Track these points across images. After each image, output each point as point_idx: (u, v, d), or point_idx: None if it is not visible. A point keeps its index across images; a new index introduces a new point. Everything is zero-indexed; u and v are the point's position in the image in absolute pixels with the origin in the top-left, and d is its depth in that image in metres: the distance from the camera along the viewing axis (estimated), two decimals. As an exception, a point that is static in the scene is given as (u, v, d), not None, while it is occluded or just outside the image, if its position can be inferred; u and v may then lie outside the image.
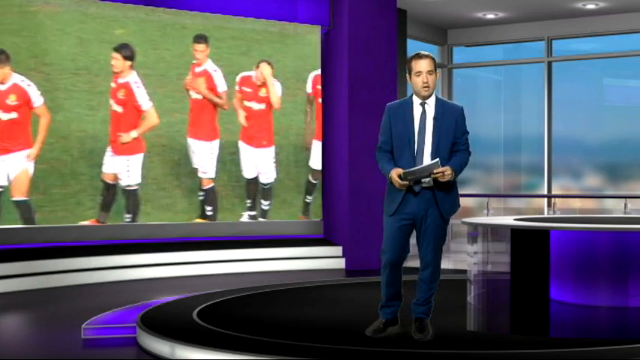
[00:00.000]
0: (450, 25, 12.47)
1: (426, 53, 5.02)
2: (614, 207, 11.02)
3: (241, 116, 9.78)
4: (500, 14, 11.68)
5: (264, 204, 10.02)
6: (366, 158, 9.21)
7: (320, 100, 10.24)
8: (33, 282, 7.90)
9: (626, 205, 10.36)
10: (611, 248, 6.07)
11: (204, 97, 9.58)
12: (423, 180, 4.91)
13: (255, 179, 9.99)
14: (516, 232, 6.16)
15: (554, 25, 11.92)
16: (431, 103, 5.02)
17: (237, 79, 9.85)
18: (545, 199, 11.90)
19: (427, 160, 4.94)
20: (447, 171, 4.88)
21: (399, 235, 5.00)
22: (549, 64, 12.10)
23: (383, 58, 9.89)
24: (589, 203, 11.82)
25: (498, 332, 5.56)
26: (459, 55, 12.91)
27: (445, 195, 4.98)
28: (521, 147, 12.68)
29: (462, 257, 9.13)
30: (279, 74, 10.09)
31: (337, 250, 9.85)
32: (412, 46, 11.35)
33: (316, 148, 10.33)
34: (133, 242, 9.15)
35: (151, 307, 6.13)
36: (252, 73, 9.92)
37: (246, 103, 9.87)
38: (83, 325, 5.57)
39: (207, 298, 6.57)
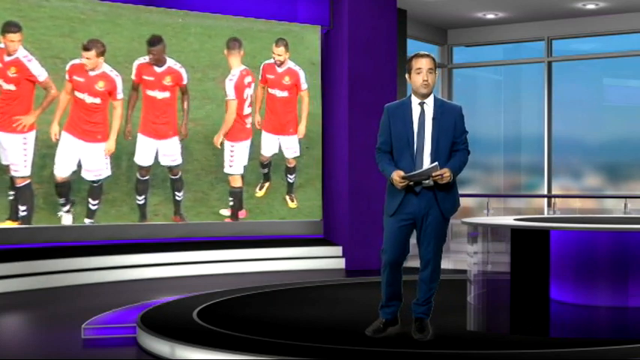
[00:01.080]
0: (450, 25, 12.46)
1: (427, 53, 5.05)
2: (614, 207, 11.02)
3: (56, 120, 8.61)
4: (500, 14, 11.67)
5: (92, 203, 8.90)
6: (366, 158, 9.20)
7: (149, 92, 9.19)
8: (33, 282, 7.90)
9: (626, 205, 10.36)
10: (611, 248, 6.07)
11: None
12: (423, 181, 4.93)
13: (78, 176, 8.84)
14: (516, 232, 6.16)
15: (554, 25, 11.92)
16: (429, 103, 5.03)
17: (67, 67, 8.71)
18: (545, 199, 11.90)
19: (427, 160, 4.96)
20: (446, 173, 4.90)
21: (400, 235, 5.01)
22: (549, 64, 12.10)
23: (383, 58, 9.88)
24: (589, 203, 11.82)
25: (498, 332, 5.56)
26: (459, 55, 12.91)
27: (446, 194, 4.99)
28: (521, 147, 12.68)
29: (462, 257, 9.13)
30: (110, 58, 8.92)
31: (337, 250, 9.84)
32: (412, 46, 11.35)
33: (144, 143, 9.21)
34: (133, 242, 9.14)
35: (151, 307, 6.13)
36: (84, 60, 8.78)
37: (78, 95, 8.74)
38: (83, 325, 5.57)
39: (207, 298, 6.57)
